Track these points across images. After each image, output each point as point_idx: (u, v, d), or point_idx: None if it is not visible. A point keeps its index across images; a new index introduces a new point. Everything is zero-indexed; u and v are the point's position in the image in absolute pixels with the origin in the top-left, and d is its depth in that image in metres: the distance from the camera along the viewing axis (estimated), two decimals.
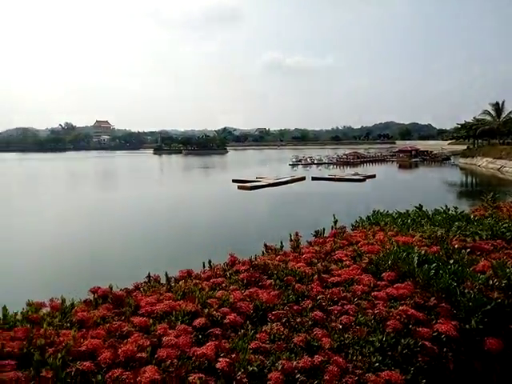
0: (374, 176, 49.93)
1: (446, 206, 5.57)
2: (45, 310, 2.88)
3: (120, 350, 2.15)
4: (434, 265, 3.15)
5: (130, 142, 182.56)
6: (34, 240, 18.08)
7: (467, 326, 2.55)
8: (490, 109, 73.76)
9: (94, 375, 2.02)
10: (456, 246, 3.73)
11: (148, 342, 2.26)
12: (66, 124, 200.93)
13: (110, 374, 2.00)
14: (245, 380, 1.95)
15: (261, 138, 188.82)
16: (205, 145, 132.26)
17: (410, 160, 78.36)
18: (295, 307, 2.80)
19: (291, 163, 73.58)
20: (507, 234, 4.16)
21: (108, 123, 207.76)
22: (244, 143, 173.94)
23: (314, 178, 47.35)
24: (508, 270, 2.99)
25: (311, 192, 34.35)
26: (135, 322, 2.53)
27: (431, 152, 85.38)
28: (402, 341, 2.34)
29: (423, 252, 3.46)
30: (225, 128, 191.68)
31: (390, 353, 2.31)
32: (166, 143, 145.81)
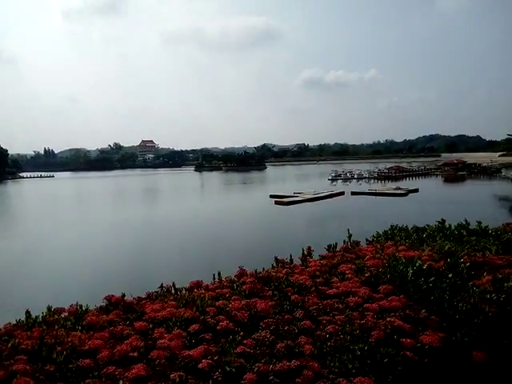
0: (416, 190, 48.25)
1: (466, 221, 5.45)
2: (64, 315, 3.22)
3: (115, 350, 2.40)
4: (431, 278, 3.17)
5: (173, 159, 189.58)
6: (84, 250, 19.54)
7: (454, 339, 2.57)
8: None
9: (91, 371, 2.27)
10: (462, 260, 3.69)
11: (142, 344, 2.50)
12: (115, 144, 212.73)
13: (105, 370, 2.25)
14: (220, 379, 2.13)
15: (299, 154, 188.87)
16: (244, 161, 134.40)
17: (457, 173, 74.88)
18: (286, 316, 2.93)
19: (330, 178, 72.76)
20: None
21: (153, 142, 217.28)
22: (283, 159, 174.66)
23: (353, 193, 46.52)
24: (506, 285, 2.95)
25: (348, 207, 33.82)
26: (136, 327, 2.78)
27: (480, 164, 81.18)
28: (382, 349, 2.41)
29: (425, 266, 3.47)
30: (264, 144, 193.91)
31: (369, 361, 2.38)
32: (207, 160, 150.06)
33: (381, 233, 5.70)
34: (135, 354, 2.37)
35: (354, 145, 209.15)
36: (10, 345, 2.50)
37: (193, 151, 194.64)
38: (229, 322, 2.82)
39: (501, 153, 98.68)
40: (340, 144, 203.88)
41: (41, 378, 2.12)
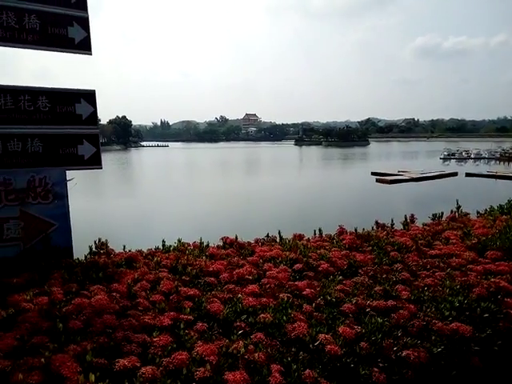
0: None
1: None
2: (189, 248, 3.86)
3: (234, 272, 2.87)
4: None
5: (274, 133, 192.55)
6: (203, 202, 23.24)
7: None
8: None
9: (215, 286, 2.78)
10: None
11: (255, 271, 2.93)
12: (221, 117, 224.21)
13: (226, 286, 2.73)
14: (322, 303, 2.44)
15: (408, 130, 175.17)
16: (345, 136, 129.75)
17: None
18: (385, 267, 3.09)
19: (442, 157, 66.43)
20: None
21: (256, 116, 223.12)
22: (388, 134, 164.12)
23: (468, 175, 41.86)
24: None
25: (460, 189, 30.71)
26: (249, 260, 3.24)
27: None
28: (482, 304, 2.45)
29: None
30: (368, 119, 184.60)
31: (468, 313, 2.45)
32: (307, 134, 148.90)
33: (495, 207, 5.33)
34: (250, 277, 2.82)
35: (473, 120, 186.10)
36: (154, 260, 3.16)
37: (293, 125, 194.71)
38: (329, 266, 3.10)
39: None
40: (456, 119, 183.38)
41: (179, 284, 2.69)
